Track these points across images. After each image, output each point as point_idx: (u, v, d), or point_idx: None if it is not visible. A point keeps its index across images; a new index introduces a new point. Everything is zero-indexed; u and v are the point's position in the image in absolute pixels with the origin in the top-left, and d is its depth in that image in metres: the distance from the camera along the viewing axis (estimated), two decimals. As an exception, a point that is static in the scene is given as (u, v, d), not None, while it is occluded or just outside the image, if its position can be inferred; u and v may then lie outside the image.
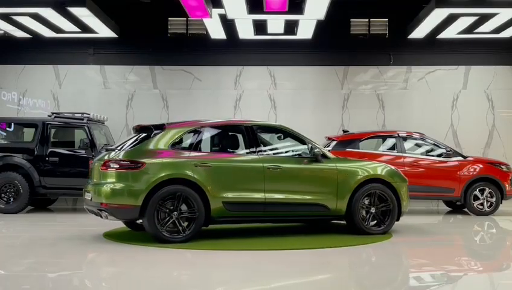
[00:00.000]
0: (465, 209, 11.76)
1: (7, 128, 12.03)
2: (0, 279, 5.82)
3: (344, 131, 12.63)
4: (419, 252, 7.63)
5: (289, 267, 6.35)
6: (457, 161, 11.56)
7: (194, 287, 5.56)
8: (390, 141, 11.85)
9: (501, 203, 11.48)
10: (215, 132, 8.48)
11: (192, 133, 7.95)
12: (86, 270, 6.41)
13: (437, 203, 13.20)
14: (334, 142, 11.65)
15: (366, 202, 8.20)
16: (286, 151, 8.54)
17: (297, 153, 8.37)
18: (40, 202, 12.41)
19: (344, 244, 7.52)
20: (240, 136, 8.33)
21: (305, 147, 8.24)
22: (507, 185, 11.45)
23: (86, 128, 11.57)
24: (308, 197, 8.00)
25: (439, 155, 11.65)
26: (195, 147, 7.87)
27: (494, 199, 11.40)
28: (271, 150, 8.48)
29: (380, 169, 8.46)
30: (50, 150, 11.50)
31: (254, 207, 7.82)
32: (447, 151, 11.65)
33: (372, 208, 8.19)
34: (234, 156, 8.06)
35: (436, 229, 10.03)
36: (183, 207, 7.42)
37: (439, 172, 11.48)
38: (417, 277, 6.15)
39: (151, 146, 7.68)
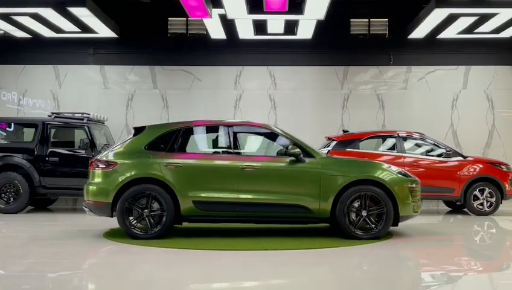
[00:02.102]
0: (465, 209, 11.76)
1: (7, 128, 12.04)
2: (0, 279, 5.82)
3: (344, 131, 12.63)
4: (419, 252, 7.62)
5: (285, 266, 6.36)
6: (457, 161, 11.56)
7: (194, 287, 5.56)
8: (390, 141, 11.86)
9: (501, 203, 11.48)
10: (193, 132, 8.51)
11: (170, 134, 8.16)
12: (86, 270, 6.41)
13: (437, 203, 13.21)
14: (334, 142, 11.65)
15: (356, 204, 7.75)
16: (267, 151, 8.49)
17: (279, 152, 8.20)
18: (40, 202, 12.42)
19: (343, 245, 7.49)
20: (218, 136, 8.36)
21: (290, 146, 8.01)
22: (507, 185, 11.45)
23: (86, 128, 11.58)
24: (285, 197, 7.77)
25: (439, 155, 11.65)
26: (171, 147, 8.08)
27: (494, 199, 11.40)
28: (253, 149, 8.52)
29: (371, 169, 7.99)
30: (50, 150, 11.51)
31: (227, 207, 7.81)
32: (447, 151, 11.65)
33: (363, 211, 7.74)
34: (207, 156, 8.18)
35: (436, 229, 10.02)
36: (156, 205, 7.74)
37: (439, 172, 11.48)
38: (417, 277, 6.15)
39: (128, 147, 8.13)
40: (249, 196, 7.79)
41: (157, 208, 7.74)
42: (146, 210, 7.73)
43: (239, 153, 8.05)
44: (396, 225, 7.99)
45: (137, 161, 7.90)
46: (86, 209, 8.08)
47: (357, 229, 7.76)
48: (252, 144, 8.63)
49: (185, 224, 8.28)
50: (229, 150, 8.05)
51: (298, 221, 8.13)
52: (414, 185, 8.03)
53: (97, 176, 7.94)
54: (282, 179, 7.87)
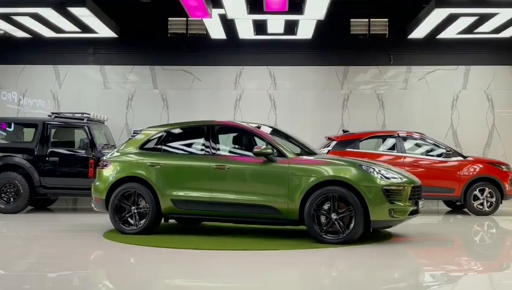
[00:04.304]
0: (465, 209, 11.77)
1: (7, 128, 12.04)
2: (0, 279, 5.82)
3: (344, 131, 12.63)
4: (419, 252, 7.61)
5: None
6: (457, 161, 11.57)
7: (189, 287, 5.57)
8: (390, 141, 11.87)
9: (501, 203, 11.48)
10: (179, 133, 8.76)
11: (160, 135, 8.59)
12: (86, 270, 6.41)
13: (437, 203, 13.21)
14: (334, 142, 11.67)
15: (326, 206, 7.39)
16: (245, 151, 8.38)
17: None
18: (40, 202, 12.42)
19: (340, 246, 7.46)
20: (204, 137, 8.41)
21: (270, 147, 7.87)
22: (507, 185, 11.45)
23: (86, 128, 11.58)
24: (255, 198, 7.71)
25: (439, 155, 11.66)
26: (157, 148, 8.52)
27: (494, 199, 11.41)
28: (230, 149, 8.49)
29: (339, 169, 7.51)
30: (50, 150, 11.52)
31: (201, 206, 7.97)
32: (447, 151, 11.66)
33: (333, 214, 7.36)
34: (184, 155, 8.41)
35: (436, 229, 10.03)
36: (143, 203, 8.20)
37: (439, 172, 11.49)
38: (417, 277, 6.14)
39: (123, 148, 8.73)
40: (222, 196, 7.88)
41: (143, 205, 8.17)
42: (134, 207, 8.18)
43: (215, 153, 8.14)
44: (369, 230, 7.56)
45: (127, 161, 8.42)
46: (92, 205, 8.77)
47: (326, 232, 7.38)
48: (232, 143, 8.64)
49: (185, 224, 8.29)
50: (207, 150, 8.20)
51: (269, 222, 7.97)
52: (394, 187, 7.41)
53: (98, 175, 8.65)
54: (252, 179, 7.88)
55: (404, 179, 7.64)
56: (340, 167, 7.61)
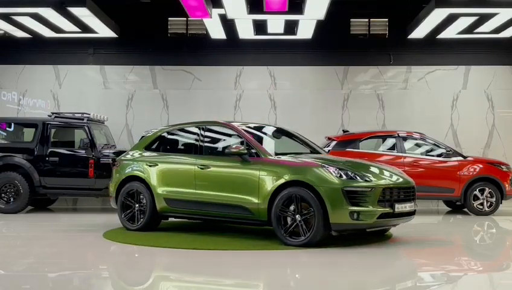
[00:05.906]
0: (465, 209, 11.77)
1: (7, 128, 12.04)
2: (0, 279, 5.82)
3: (344, 131, 12.63)
4: (419, 252, 7.60)
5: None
6: (457, 161, 11.57)
7: (193, 288, 5.57)
8: (390, 141, 11.87)
9: (501, 203, 11.49)
10: (175, 134, 8.98)
11: (162, 136, 8.98)
12: (86, 270, 6.41)
13: (437, 203, 13.21)
14: (334, 142, 11.67)
15: (292, 207, 7.20)
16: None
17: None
18: (40, 202, 12.42)
19: (341, 245, 7.47)
20: (194, 137, 8.59)
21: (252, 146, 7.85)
22: (507, 185, 11.46)
23: (86, 128, 11.58)
24: (231, 198, 7.75)
25: (439, 155, 11.66)
26: (159, 148, 8.91)
27: (494, 199, 11.41)
28: (217, 149, 8.58)
29: (301, 171, 7.27)
30: (50, 150, 11.52)
31: (188, 205, 8.18)
32: (447, 151, 11.66)
33: (297, 215, 7.15)
34: (178, 155, 8.57)
35: (436, 229, 10.03)
36: (144, 201, 8.50)
37: (439, 172, 11.49)
38: (417, 277, 6.14)
39: (133, 148, 9.27)
40: (204, 196, 8.01)
41: (144, 203, 8.49)
42: (137, 205, 8.55)
43: (202, 153, 8.32)
44: (331, 232, 7.14)
45: (132, 161, 8.81)
46: (110, 202, 9.15)
47: (290, 234, 7.20)
48: (219, 143, 8.72)
49: (188, 222, 8.27)
50: (196, 150, 8.40)
51: (244, 222, 7.89)
52: (356, 189, 7.01)
53: (112, 174, 9.17)
54: (229, 180, 7.90)
55: (374, 181, 7.17)
56: (303, 167, 7.35)
